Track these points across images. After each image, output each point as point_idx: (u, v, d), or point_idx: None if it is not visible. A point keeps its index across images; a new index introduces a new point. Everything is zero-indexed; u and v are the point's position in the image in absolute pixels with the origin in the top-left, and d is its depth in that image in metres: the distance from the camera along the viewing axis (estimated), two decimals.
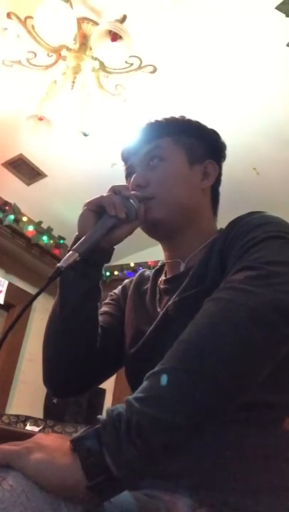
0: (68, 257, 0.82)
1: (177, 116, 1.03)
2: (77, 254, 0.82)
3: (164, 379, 0.60)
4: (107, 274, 3.41)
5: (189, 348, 0.63)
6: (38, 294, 0.79)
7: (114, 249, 0.95)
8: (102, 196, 0.90)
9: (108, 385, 2.98)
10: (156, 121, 1.01)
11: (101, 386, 2.70)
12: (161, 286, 0.98)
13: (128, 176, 1.01)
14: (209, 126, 1.06)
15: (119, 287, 1.11)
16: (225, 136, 1.06)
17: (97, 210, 0.90)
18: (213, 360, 0.61)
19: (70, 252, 0.83)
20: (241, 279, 0.68)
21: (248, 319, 0.63)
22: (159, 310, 0.94)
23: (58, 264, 0.81)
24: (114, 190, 0.91)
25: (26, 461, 0.57)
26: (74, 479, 0.56)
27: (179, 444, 0.60)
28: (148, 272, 1.08)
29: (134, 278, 1.09)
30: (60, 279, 0.92)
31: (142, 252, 3.39)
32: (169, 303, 0.89)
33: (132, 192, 0.93)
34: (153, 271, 1.07)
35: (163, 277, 1.01)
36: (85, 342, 0.95)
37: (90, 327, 0.96)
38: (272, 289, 0.66)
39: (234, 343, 0.61)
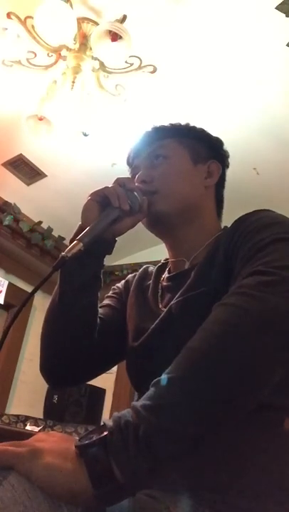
0: (72, 247, 0.82)
1: (182, 121, 1.05)
2: (81, 244, 0.83)
3: (172, 388, 0.60)
4: (107, 274, 3.41)
5: (198, 357, 0.62)
6: (42, 283, 0.80)
7: (116, 240, 0.96)
8: (106, 187, 0.92)
9: (108, 384, 2.97)
10: (161, 124, 1.03)
11: (101, 386, 2.71)
12: (164, 283, 0.99)
13: (133, 177, 1.02)
14: (209, 125, 1.06)
15: (123, 281, 1.12)
16: (225, 136, 1.07)
17: (101, 200, 0.91)
18: (224, 370, 0.60)
19: (75, 241, 0.83)
20: (253, 284, 0.67)
21: (259, 328, 0.62)
22: (160, 307, 0.94)
23: (63, 254, 0.81)
24: (119, 183, 0.92)
25: (32, 465, 0.57)
26: (80, 486, 0.56)
27: (187, 453, 0.59)
28: (152, 268, 1.09)
29: (138, 273, 1.09)
30: (61, 268, 0.93)
31: (142, 252, 3.39)
32: (173, 302, 0.88)
33: (136, 185, 0.95)
34: (156, 267, 1.07)
35: (166, 274, 1.01)
36: (83, 331, 0.95)
37: (88, 316, 0.96)
38: (285, 297, 0.64)
39: (245, 353, 0.60)
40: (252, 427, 0.74)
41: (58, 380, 1.03)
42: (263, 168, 2.73)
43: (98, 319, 1.00)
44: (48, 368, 0.98)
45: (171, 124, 1.03)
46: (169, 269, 1.02)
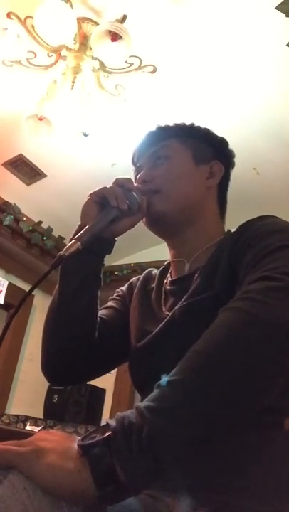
0: (71, 246, 0.84)
1: (187, 122, 1.05)
2: (79, 243, 0.84)
3: (176, 390, 0.60)
4: (107, 274, 3.41)
5: (204, 360, 0.62)
6: (40, 281, 0.81)
7: (115, 240, 0.97)
8: (105, 187, 0.93)
9: (108, 385, 2.97)
10: (165, 124, 1.03)
11: (101, 386, 2.70)
12: (167, 287, 0.99)
13: (136, 177, 1.02)
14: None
15: (126, 284, 1.12)
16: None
17: (100, 200, 0.92)
18: (229, 374, 0.60)
19: (73, 240, 0.84)
20: (260, 289, 0.67)
21: (265, 334, 0.62)
22: (164, 310, 0.94)
23: (61, 252, 0.82)
24: (118, 183, 0.93)
25: (35, 465, 0.57)
26: (83, 486, 0.56)
27: (190, 455, 0.60)
28: (155, 271, 1.09)
29: (142, 276, 1.09)
30: (61, 267, 0.94)
31: (141, 252, 3.39)
32: (177, 307, 0.88)
33: (136, 185, 0.95)
34: (159, 270, 1.07)
35: (169, 277, 1.01)
36: (82, 330, 0.96)
37: (87, 315, 0.96)
38: None
39: (250, 359, 0.60)
40: (252, 427, 0.74)
41: (59, 378, 1.03)
42: (263, 168, 2.73)
43: (99, 319, 1.00)
44: (49, 366, 0.99)
45: (175, 124, 1.03)
46: (171, 271, 1.02)
